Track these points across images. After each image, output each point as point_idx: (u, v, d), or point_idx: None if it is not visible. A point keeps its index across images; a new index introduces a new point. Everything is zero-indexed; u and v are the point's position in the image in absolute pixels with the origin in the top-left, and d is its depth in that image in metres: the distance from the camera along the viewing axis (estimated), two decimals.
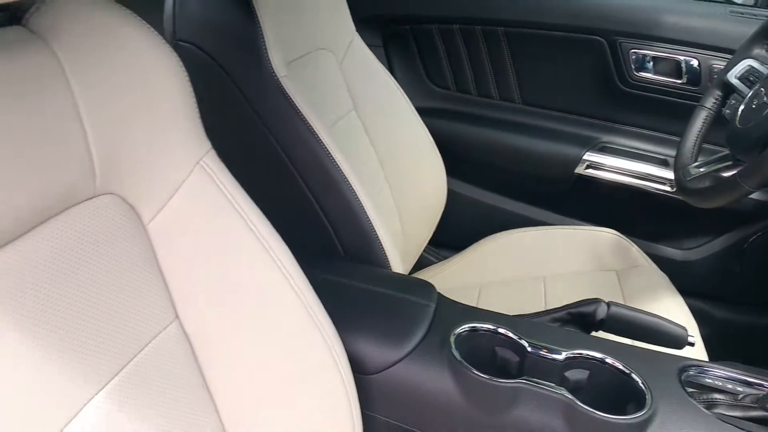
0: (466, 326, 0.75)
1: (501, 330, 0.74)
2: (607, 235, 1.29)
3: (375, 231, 0.94)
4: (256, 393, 0.62)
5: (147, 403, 0.53)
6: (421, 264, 1.48)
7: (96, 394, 0.48)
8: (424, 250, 1.51)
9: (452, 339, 0.73)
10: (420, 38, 1.50)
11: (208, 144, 0.61)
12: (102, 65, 0.50)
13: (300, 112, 0.92)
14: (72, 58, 0.48)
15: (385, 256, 0.94)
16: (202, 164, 0.59)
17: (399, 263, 0.97)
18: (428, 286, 0.83)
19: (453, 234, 1.49)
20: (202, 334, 0.60)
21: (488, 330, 0.74)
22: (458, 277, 1.30)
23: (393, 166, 1.24)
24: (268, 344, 0.62)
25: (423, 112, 1.33)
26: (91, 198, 0.51)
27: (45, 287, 0.46)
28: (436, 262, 1.44)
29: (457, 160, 1.47)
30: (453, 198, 1.47)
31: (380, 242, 0.94)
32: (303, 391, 0.64)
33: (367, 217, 0.93)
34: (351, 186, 0.93)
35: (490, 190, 1.49)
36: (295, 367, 0.63)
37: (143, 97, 0.54)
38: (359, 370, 0.73)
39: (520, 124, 1.45)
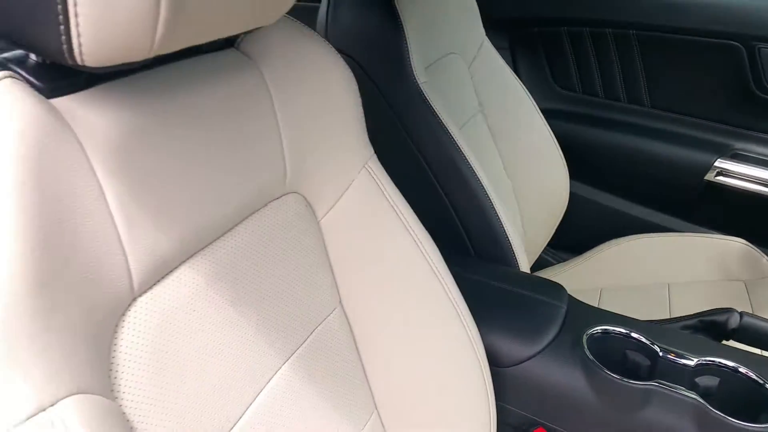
0: (598, 328, 0.78)
1: (634, 334, 0.76)
2: (736, 244, 1.26)
3: (505, 231, 0.98)
4: (404, 376, 0.69)
5: (318, 377, 0.61)
6: (539, 264, 1.51)
7: (282, 365, 0.56)
8: (543, 251, 1.53)
9: (584, 339, 0.76)
10: (548, 40, 1.52)
11: (371, 148, 0.68)
12: (296, 83, 0.58)
13: (438, 115, 0.97)
14: (275, 78, 0.56)
15: (514, 256, 0.98)
16: (367, 167, 0.66)
17: (526, 263, 1.00)
18: (559, 288, 0.87)
19: (573, 236, 1.50)
20: (360, 319, 0.67)
21: (621, 333, 0.77)
22: (578, 280, 1.32)
23: (516, 167, 1.28)
24: (417, 333, 0.68)
25: (547, 114, 1.35)
26: (281, 196, 0.59)
27: (250, 269, 0.54)
28: (554, 264, 1.46)
29: (580, 162, 1.47)
30: (575, 200, 1.48)
31: (509, 242, 0.98)
32: (446, 378, 0.69)
33: (498, 217, 0.98)
34: (483, 187, 0.98)
35: (614, 194, 1.48)
36: (440, 354, 0.69)
37: (326, 109, 0.61)
38: (494, 362, 0.78)
39: (648, 128, 1.43)
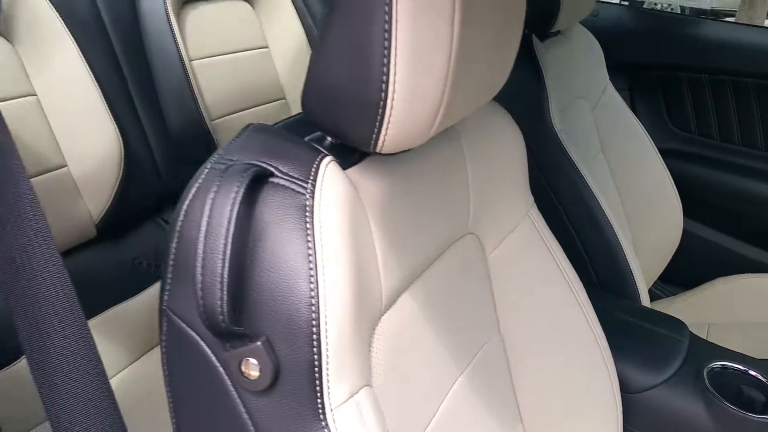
0: (718, 363, 0.87)
1: (752, 372, 0.85)
2: None
3: (629, 266, 1.08)
4: (547, 395, 0.80)
5: (480, 390, 0.73)
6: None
7: (459, 377, 0.70)
8: (652, 284, 1.60)
9: (705, 373, 0.86)
10: (666, 84, 1.60)
11: (532, 197, 0.81)
12: (483, 145, 0.71)
13: (572, 160, 1.09)
14: (469, 142, 0.70)
15: (637, 290, 1.08)
16: (529, 214, 0.79)
17: (647, 297, 1.10)
18: (681, 324, 0.96)
19: (683, 272, 1.56)
20: (514, 344, 0.80)
21: (739, 369, 0.86)
22: (687, 314, 1.39)
23: (633, 203, 1.36)
24: (561, 359, 0.80)
25: (663, 153, 1.43)
26: (462, 237, 0.72)
27: (444, 295, 0.67)
28: (662, 297, 1.53)
29: (694, 200, 1.54)
30: (686, 236, 1.54)
31: (633, 277, 1.08)
32: (583, 399, 0.81)
33: (624, 254, 1.08)
34: (610, 223, 1.09)
35: (726, 233, 1.54)
36: (580, 378, 0.80)
37: (502, 165, 0.74)
38: (622, 388, 0.88)
39: (762, 171, 1.49)
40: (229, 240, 0.42)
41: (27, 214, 0.51)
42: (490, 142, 0.73)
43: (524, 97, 1.10)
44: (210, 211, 0.43)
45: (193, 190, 0.47)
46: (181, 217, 0.47)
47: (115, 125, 1.13)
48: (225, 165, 0.47)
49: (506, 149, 0.75)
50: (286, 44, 1.64)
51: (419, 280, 0.64)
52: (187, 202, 0.47)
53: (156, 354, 1.21)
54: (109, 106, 1.14)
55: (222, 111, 1.44)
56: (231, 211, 0.42)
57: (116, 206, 1.13)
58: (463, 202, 0.70)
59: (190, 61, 1.35)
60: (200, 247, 0.42)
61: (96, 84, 1.12)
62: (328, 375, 0.45)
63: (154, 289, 1.19)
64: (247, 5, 1.60)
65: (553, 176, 1.11)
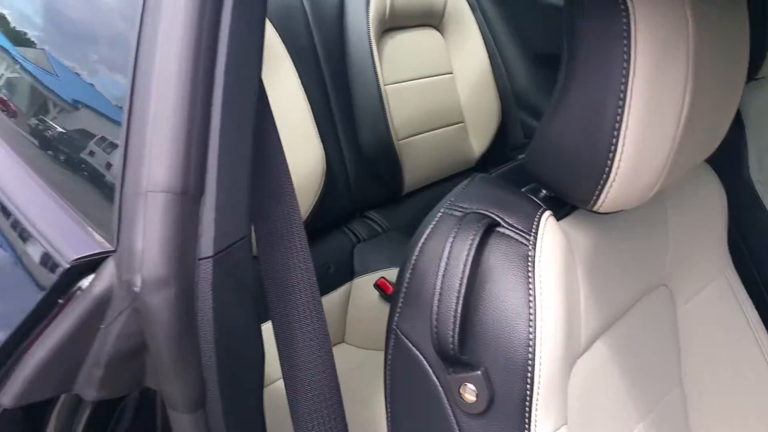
0: None
1: None
2: None
3: None
4: None
5: None
6: None
7: (639, 424, 0.71)
8: None
9: None
10: None
11: (729, 257, 0.80)
12: (685, 200, 0.73)
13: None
14: (671, 198, 0.71)
15: None
16: (725, 272, 0.78)
17: None
18: None
19: None
20: (696, 400, 0.79)
21: None
22: None
23: None
24: (744, 421, 0.78)
25: None
26: (655, 288, 0.74)
27: (633, 344, 0.70)
28: None
29: None
30: None
31: None
32: None
33: None
34: None
35: None
36: None
37: (702, 221, 0.75)
38: None
39: None
40: (465, 281, 0.48)
41: (293, 212, 0.61)
42: (693, 199, 0.74)
43: (721, 144, 1.07)
44: (449, 253, 0.50)
45: (428, 231, 0.54)
46: (416, 253, 0.54)
47: (321, 143, 1.25)
48: (459, 212, 0.54)
49: (708, 207, 0.76)
50: (470, 70, 1.71)
51: (613, 328, 0.67)
52: (422, 240, 0.54)
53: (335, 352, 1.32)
54: (316, 125, 1.27)
55: (407, 132, 1.54)
56: (467, 255, 0.49)
57: (314, 215, 1.26)
58: (660, 256, 0.72)
59: (385, 85, 1.46)
60: (438, 283, 0.49)
61: (308, 105, 1.26)
62: (537, 409, 0.50)
63: (338, 293, 1.30)
64: (438, 33, 1.69)
65: (747, 230, 1.07)
